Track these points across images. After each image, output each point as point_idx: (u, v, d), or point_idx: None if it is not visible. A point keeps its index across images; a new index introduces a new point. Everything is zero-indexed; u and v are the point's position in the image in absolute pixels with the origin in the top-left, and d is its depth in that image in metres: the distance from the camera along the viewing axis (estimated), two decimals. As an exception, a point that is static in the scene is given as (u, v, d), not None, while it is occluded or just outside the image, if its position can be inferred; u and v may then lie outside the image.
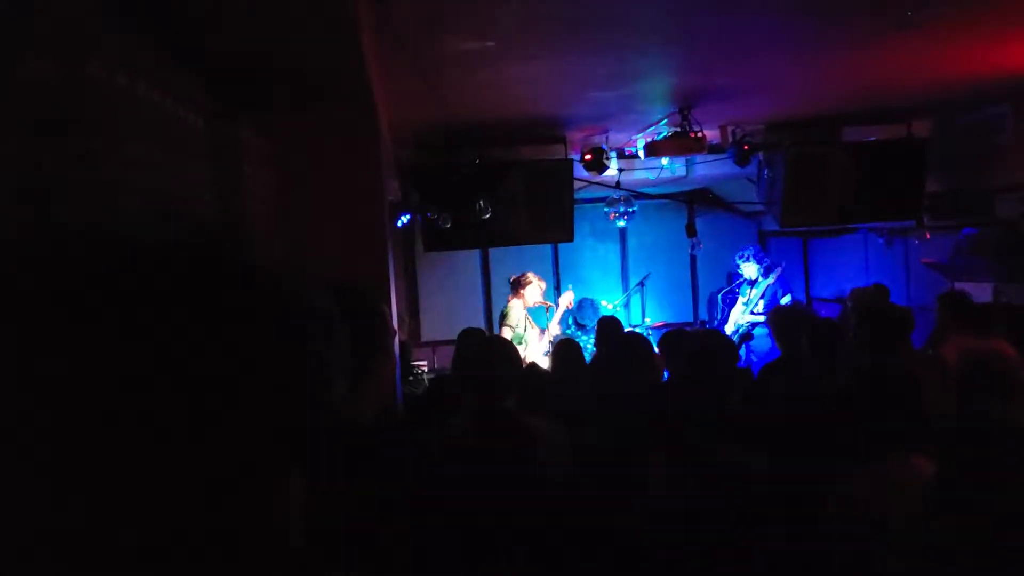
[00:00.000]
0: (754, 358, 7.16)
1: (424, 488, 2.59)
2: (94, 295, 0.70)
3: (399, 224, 6.82)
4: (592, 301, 8.54)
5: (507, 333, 6.88)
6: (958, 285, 6.72)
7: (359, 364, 1.98)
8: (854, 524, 2.60)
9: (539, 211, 6.32)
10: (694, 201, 7.06)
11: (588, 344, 7.48)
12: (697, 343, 4.47)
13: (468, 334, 5.53)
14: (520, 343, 6.75)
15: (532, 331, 7.04)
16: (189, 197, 2.01)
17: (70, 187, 1.44)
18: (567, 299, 7.35)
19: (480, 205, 5.90)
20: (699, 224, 7.30)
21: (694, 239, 6.47)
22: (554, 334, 7.18)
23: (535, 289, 6.89)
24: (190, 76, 2.17)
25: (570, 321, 8.15)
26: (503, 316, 6.95)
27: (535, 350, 6.97)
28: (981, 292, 6.19)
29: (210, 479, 0.69)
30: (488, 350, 3.36)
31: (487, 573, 2.48)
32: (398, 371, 3.39)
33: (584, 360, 5.10)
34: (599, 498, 2.95)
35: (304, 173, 3.20)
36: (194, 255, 0.76)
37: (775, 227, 7.62)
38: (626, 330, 5.75)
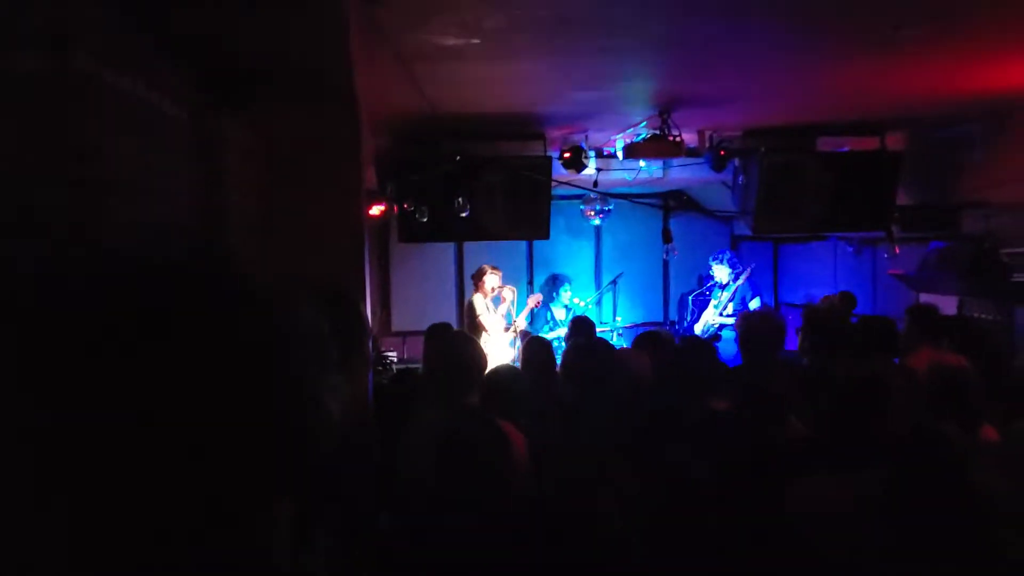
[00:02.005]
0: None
1: (395, 488, 2.60)
2: (75, 312, 0.68)
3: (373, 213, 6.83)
4: (567, 279, 8.70)
5: (485, 322, 7.23)
6: (923, 297, 6.85)
7: (340, 362, 1.97)
8: (803, 532, 2.65)
9: (516, 208, 6.33)
10: (669, 204, 7.14)
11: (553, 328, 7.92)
12: (675, 346, 4.52)
13: (436, 330, 5.55)
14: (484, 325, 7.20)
15: (495, 322, 7.39)
16: (171, 192, 2.00)
17: (51, 183, 1.42)
18: (535, 300, 7.78)
19: (459, 202, 5.90)
20: (672, 225, 7.38)
21: (669, 245, 6.51)
22: (520, 328, 7.54)
23: (492, 278, 7.37)
24: (175, 70, 2.15)
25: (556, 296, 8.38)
26: (471, 311, 7.37)
27: (499, 342, 7.32)
28: (946, 305, 6.31)
29: (197, 505, 0.68)
30: (455, 349, 3.37)
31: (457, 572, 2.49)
32: (371, 368, 3.39)
33: (555, 360, 5.11)
34: (562, 500, 2.97)
35: (284, 168, 3.19)
36: (180, 275, 0.74)
37: (747, 231, 7.71)
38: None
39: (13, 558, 0.66)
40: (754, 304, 7.84)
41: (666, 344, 4.90)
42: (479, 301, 7.45)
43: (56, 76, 1.44)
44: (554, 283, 8.79)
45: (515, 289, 7.71)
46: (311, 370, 0.78)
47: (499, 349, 7.24)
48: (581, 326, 5.67)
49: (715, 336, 7.35)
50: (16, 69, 1.38)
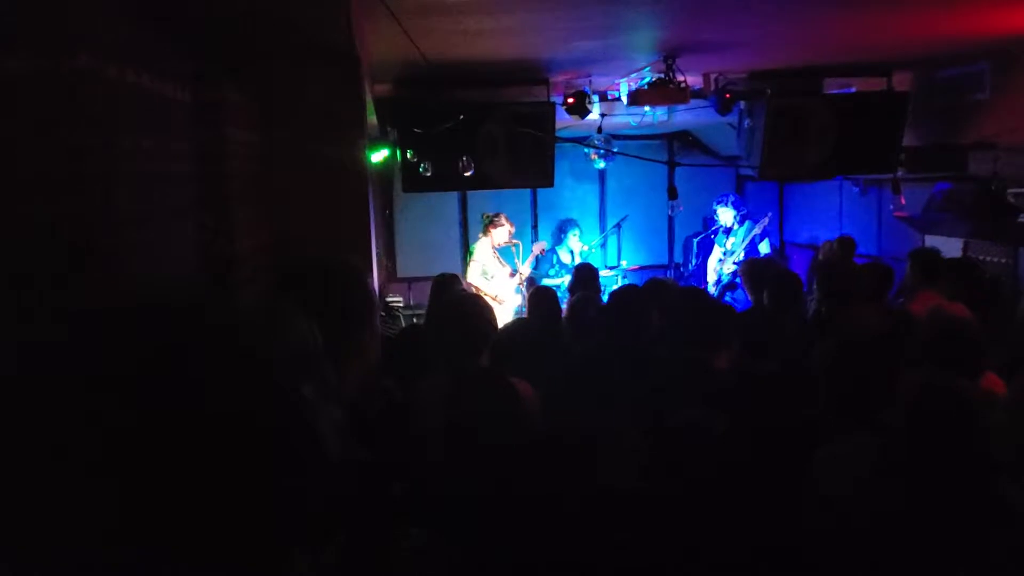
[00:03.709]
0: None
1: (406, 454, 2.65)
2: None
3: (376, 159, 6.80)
4: (575, 223, 8.74)
5: (475, 268, 7.47)
6: (928, 239, 6.83)
7: (346, 341, 2.00)
8: (812, 496, 2.69)
9: (519, 156, 6.28)
10: (674, 161, 7.08)
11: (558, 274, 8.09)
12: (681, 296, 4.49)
13: (444, 281, 5.58)
14: (486, 277, 7.41)
15: (501, 269, 7.61)
16: (174, 181, 1.99)
17: (52, 184, 1.42)
18: (539, 247, 8.01)
19: (463, 162, 5.86)
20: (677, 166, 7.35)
21: (674, 202, 6.43)
22: (525, 275, 7.69)
23: (503, 231, 7.58)
24: (172, 47, 2.12)
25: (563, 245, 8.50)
26: (470, 254, 7.63)
27: (505, 288, 7.54)
28: (951, 248, 6.29)
29: (208, 561, 0.70)
30: (463, 307, 3.37)
31: (464, 536, 2.55)
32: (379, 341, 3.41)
33: (560, 309, 5.12)
34: (568, 458, 2.99)
35: (286, 132, 3.16)
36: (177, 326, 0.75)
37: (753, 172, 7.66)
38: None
39: None
40: (764, 247, 7.84)
41: (671, 293, 4.91)
42: (483, 248, 7.54)
43: (54, 74, 1.43)
44: (561, 227, 8.80)
45: (519, 242, 7.79)
46: (307, 397, 0.80)
47: (503, 294, 7.44)
48: (584, 275, 5.68)
49: (731, 284, 7.34)
50: (12, 68, 1.37)
